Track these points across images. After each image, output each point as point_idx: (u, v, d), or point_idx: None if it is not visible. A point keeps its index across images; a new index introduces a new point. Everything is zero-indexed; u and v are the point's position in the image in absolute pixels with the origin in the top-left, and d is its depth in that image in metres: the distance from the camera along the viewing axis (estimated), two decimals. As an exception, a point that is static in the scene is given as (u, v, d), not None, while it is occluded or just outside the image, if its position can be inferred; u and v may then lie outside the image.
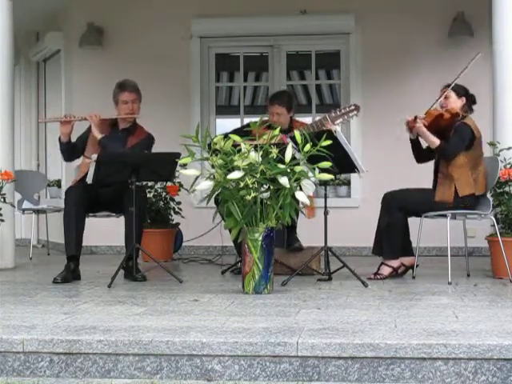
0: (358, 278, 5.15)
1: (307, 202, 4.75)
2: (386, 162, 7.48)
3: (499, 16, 5.73)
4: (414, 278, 5.48)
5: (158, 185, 7.15)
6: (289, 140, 5.11)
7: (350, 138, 7.72)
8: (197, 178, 4.82)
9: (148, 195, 6.56)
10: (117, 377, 3.29)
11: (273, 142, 4.84)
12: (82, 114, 5.80)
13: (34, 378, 3.30)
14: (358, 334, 3.34)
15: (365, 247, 7.36)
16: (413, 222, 5.56)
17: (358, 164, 5.30)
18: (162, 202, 7.20)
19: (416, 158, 5.71)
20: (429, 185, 5.61)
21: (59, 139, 5.80)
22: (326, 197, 5.31)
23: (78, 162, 6.10)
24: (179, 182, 6.99)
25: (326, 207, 5.28)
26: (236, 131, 5.59)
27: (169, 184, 7.06)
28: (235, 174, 4.62)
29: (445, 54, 7.68)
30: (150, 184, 6.99)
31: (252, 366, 3.24)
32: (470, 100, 5.56)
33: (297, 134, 4.79)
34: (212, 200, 4.92)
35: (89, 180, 5.30)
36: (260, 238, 4.67)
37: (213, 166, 4.78)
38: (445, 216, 5.37)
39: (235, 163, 4.67)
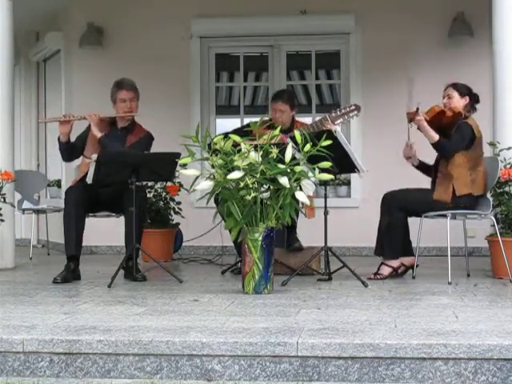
0: (358, 278, 5.14)
1: (307, 201, 4.75)
2: (385, 162, 7.47)
3: (499, 16, 5.73)
4: (414, 278, 5.48)
5: (158, 185, 7.15)
6: (289, 140, 5.11)
7: (350, 137, 7.71)
8: (197, 177, 4.82)
9: (148, 195, 6.55)
10: (117, 377, 3.29)
11: (273, 141, 4.84)
12: (81, 114, 5.81)
13: (34, 378, 3.30)
14: (357, 334, 3.34)
15: (365, 247, 7.37)
16: (413, 222, 5.56)
17: (358, 164, 5.30)
18: (161, 202, 7.19)
19: (427, 175, 5.70)
20: (429, 185, 5.61)
21: (58, 139, 5.80)
22: (325, 197, 5.31)
23: (77, 161, 6.09)
24: (179, 182, 6.98)
25: (325, 207, 5.28)
26: (236, 131, 5.59)
27: (169, 184, 7.06)
28: (235, 174, 4.62)
29: (445, 53, 7.67)
30: (150, 184, 6.99)
31: (252, 366, 3.24)
32: (474, 99, 5.56)
33: (297, 133, 4.79)
34: (212, 200, 4.93)
35: (89, 180, 5.30)
36: (260, 238, 4.66)
37: (213, 166, 4.78)
38: (445, 216, 5.37)
39: (235, 163, 4.67)
